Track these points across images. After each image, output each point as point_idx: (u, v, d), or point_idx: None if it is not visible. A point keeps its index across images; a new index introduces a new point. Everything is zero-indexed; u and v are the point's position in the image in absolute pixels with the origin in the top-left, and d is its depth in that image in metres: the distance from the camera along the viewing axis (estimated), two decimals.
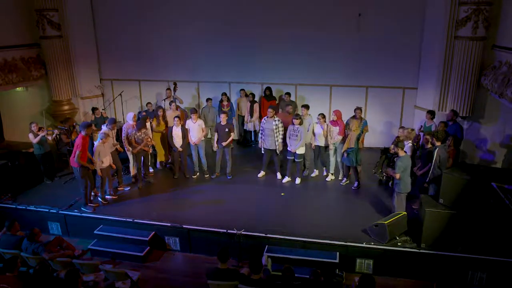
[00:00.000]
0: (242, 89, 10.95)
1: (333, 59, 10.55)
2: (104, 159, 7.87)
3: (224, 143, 8.81)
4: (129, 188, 8.71)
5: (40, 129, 8.76)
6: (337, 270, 6.29)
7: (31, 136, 8.68)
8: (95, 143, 7.88)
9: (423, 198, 6.74)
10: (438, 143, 6.90)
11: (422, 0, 9.59)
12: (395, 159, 7.33)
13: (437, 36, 9.20)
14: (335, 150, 8.72)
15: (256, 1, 10.67)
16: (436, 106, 9.52)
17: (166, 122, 9.42)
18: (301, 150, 8.60)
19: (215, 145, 9.03)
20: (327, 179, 9.01)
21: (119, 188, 8.62)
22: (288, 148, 8.68)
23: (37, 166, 9.26)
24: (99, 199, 8.16)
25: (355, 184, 8.57)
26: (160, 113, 9.39)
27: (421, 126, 8.94)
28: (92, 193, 8.19)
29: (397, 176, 6.77)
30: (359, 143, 8.47)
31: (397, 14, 9.87)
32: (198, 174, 9.32)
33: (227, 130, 8.77)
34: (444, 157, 6.82)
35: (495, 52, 8.66)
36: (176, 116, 8.85)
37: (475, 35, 8.62)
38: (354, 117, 8.78)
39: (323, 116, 8.71)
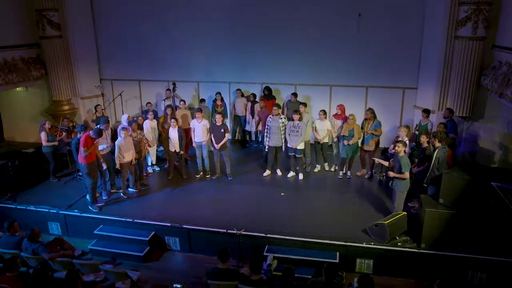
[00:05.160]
0: (239, 89, 10.96)
1: (333, 59, 10.56)
2: (126, 154, 7.99)
3: (217, 146, 8.79)
4: (134, 189, 8.68)
5: (52, 127, 8.86)
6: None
7: (43, 134, 8.70)
8: (118, 139, 8.02)
9: (423, 198, 6.74)
10: (438, 144, 6.88)
11: (422, 0, 9.60)
12: (391, 159, 7.35)
13: (437, 36, 9.20)
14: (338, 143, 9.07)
15: (256, 1, 10.67)
16: (436, 106, 9.53)
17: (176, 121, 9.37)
18: (301, 146, 8.77)
19: (215, 145, 8.98)
20: (331, 169, 9.46)
21: (111, 191, 8.58)
22: (289, 145, 8.77)
23: (40, 165, 9.28)
24: (121, 193, 8.31)
25: (348, 174, 9.00)
26: (168, 112, 9.39)
27: (417, 125, 8.96)
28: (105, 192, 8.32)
29: (407, 176, 6.76)
30: (373, 146, 8.75)
31: (397, 14, 9.88)
32: (201, 173, 9.32)
33: (222, 130, 8.76)
34: (443, 158, 6.82)
35: (495, 52, 8.66)
36: (172, 118, 8.85)
37: (475, 35, 8.62)
38: (365, 119, 8.85)
39: (324, 112, 9.00)
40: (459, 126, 9.15)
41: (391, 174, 6.97)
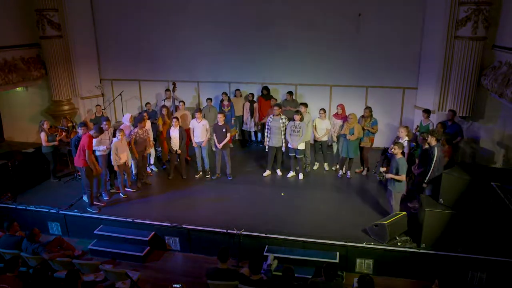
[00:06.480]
0: (238, 89, 10.96)
1: (333, 59, 10.56)
2: (122, 155, 7.99)
3: (219, 145, 8.80)
4: (131, 189, 8.65)
5: (51, 127, 8.86)
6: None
7: (42, 135, 8.71)
8: (114, 140, 8.00)
9: (423, 198, 6.74)
10: (434, 143, 6.88)
11: (422, 0, 9.60)
12: (392, 161, 7.35)
13: (437, 36, 9.20)
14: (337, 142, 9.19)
15: (256, 1, 10.67)
16: (436, 106, 9.54)
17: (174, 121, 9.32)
18: (302, 146, 8.78)
19: (217, 145, 8.97)
20: (332, 169, 9.49)
21: (111, 191, 8.57)
22: (289, 145, 8.76)
23: (40, 165, 9.27)
24: (121, 194, 8.33)
25: (348, 174, 9.07)
26: (164, 112, 9.38)
27: (417, 126, 8.97)
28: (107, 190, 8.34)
29: (403, 178, 6.77)
30: (369, 142, 8.91)
31: (397, 14, 9.88)
32: (200, 173, 9.32)
33: (224, 130, 8.77)
34: (441, 156, 6.82)
35: (495, 52, 8.67)
36: (174, 117, 8.84)
37: (475, 35, 8.63)
38: (363, 116, 8.96)
39: (324, 111, 9.09)
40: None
41: (389, 175, 6.96)
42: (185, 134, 8.96)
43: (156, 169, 9.74)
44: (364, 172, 9.23)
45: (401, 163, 6.77)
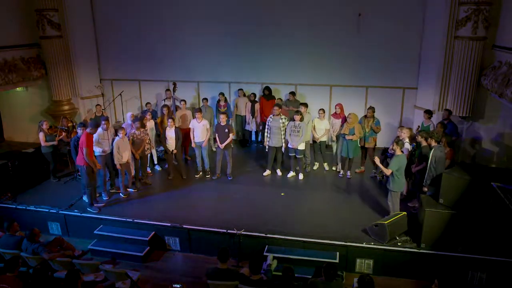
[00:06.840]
0: (240, 89, 10.96)
1: (333, 59, 10.56)
2: (124, 154, 7.99)
3: (221, 145, 8.82)
4: (132, 189, 8.65)
5: (51, 127, 8.88)
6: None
7: (41, 135, 8.70)
8: (116, 138, 8.01)
9: (423, 198, 6.73)
10: (434, 144, 6.89)
11: (422, 0, 9.60)
12: (390, 157, 7.37)
13: (437, 36, 9.20)
14: (337, 141, 9.20)
15: (256, 1, 10.67)
16: (436, 106, 9.53)
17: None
18: (302, 146, 8.79)
19: (219, 145, 8.96)
20: (332, 169, 9.53)
21: (111, 191, 8.58)
22: (289, 145, 8.76)
23: (40, 165, 9.27)
24: (121, 194, 8.32)
25: (348, 174, 9.05)
26: (165, 112, 9.39)
27: (418, 126, 8.99)
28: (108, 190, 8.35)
29: (389, 172, 6.78)
30: (372, 142, 8.97)
31: (397, 14, 9.88)
32: (200, 173, 9.32)
33: (226, 130, 8.78)
34: (439, 157, 6.81)
35: (495, 52, 8.67)
36: (169, 118, 8.85)
37: (475, 35, 8.63)
38: (365, 116, 8.96)
39: (324, 111, 9.09)
40: (459, 126, 9.15)
41: (377, 160, 7.01)
42: (181, 134, 8.96)
43: (160, 168, 9.74)
44: (371, 175, 9.17)
45: (394, 159, 6.78)
